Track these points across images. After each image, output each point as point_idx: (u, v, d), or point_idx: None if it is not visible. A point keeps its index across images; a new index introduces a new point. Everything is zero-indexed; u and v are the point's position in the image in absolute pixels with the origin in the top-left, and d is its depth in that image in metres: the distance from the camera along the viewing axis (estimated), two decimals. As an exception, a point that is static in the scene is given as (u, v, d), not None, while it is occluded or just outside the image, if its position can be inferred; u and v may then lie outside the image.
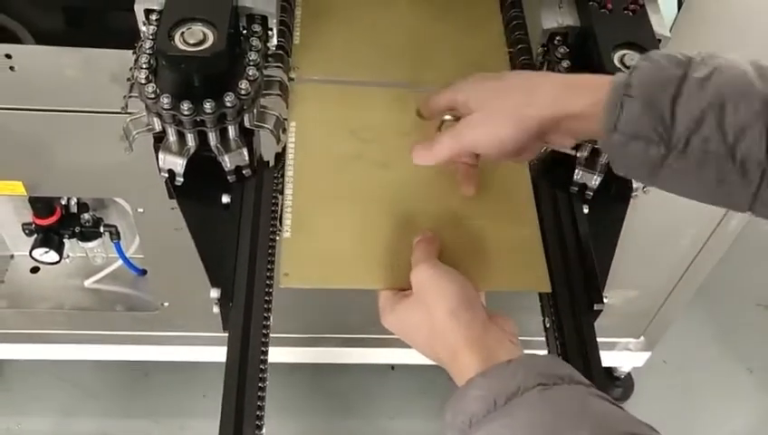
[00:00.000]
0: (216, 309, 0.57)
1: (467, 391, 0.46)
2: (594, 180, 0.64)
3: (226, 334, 1.21)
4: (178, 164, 0.61)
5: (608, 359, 1.38)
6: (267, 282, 0.56)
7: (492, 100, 0.55)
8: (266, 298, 0.56)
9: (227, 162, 0.61)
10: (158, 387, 1.40)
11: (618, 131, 0.48)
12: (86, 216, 1.11)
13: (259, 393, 0.52)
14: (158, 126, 0.61)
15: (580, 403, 0.43)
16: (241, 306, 0.55)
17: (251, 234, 0.59)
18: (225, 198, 0.61)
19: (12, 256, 1.24)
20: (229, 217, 0.60)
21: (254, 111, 0.61)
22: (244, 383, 0.52)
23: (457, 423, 0.45)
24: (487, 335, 0.50)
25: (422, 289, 0.53)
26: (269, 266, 0.57)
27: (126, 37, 0.71)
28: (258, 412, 0.51)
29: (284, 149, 0.64)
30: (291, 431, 1.37)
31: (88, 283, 1.21)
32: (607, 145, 0.49)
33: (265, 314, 0.55)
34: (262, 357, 0.53)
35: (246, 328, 0.55)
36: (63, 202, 1.09)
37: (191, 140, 0.60)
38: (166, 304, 1.17)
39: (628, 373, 1.47)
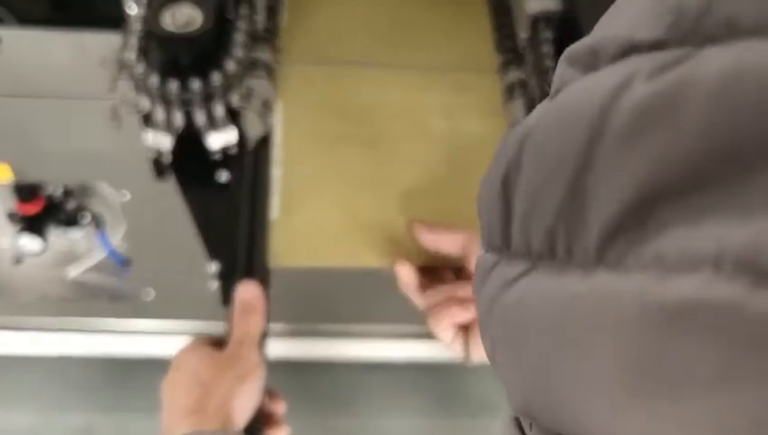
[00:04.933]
0: (214, 284, 0.57)
1: None
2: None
3: (213, 322, 1.21)
4: (166, 142, 0.61)
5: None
6: (265, 256, 0.57)
7: None
8: (265, 272, 0.56)
9: (213, 141, 0.62)
10: (144, 380, 1.39)
11: None
12: (71, 204, 1.10)
13: None
14: (147, 106, 0.61)
15: None
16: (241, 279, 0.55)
17: (249, 210, 0.59)
18: (224, 177, 0.62)
19: (-5, 247, 1.23)
20: (227, 194, 0.61)
21: (242, 91, 0.62)
22: None
23: None
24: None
25: (226, 363, 0.52)
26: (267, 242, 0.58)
27: (111, 22, 0.71)
28: None
29: (272, 129, 0.64)
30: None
31: (72, 273, 1.21)
32: None
33: (265, 289, 0.56)
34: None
35: None
36: (48, 191, 1.09)
37: (179, 119, 0.61)
38: (151, 292, 1.17)
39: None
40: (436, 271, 0.55)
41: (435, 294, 0.52)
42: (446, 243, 0.54)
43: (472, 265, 0.52)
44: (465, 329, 0.52)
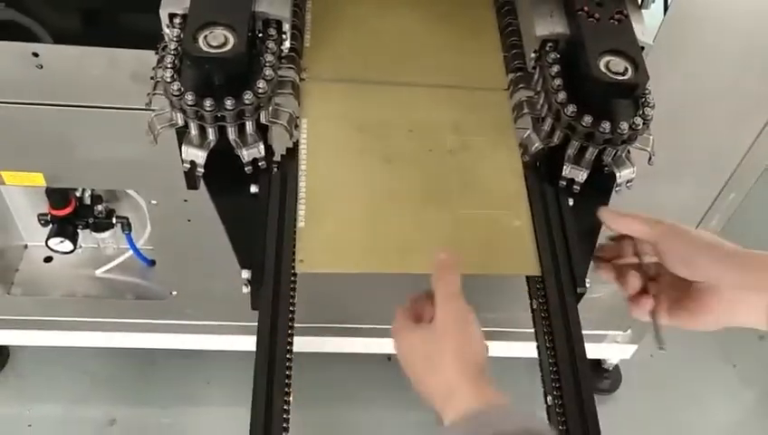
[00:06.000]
0: (245, 289, 0.62)
1: (448, 430, 0.51)
2: (581, 176, 0.69)
3: (232, 323, 1.26)
4: (200, 156, 0.66)
5: (596, 351, 1.43)
6: (293, 264, 0.61)
7: None
8: (292, 278, 0.61)
9: (245, 155, 0.66)
10: (164, 374, 1.45)
11: None
12: (99, 207, 1.16)
13: (287, 364, 0.57)
14: (180, 121, 0.66)
15: None
16: (270, 286, 0.60)
17: (278, 220, 0.63)
18: (254, 188, 0.67)
19: (26, 246, 1.29)
20: (257, 205, 0.65)
21: (270, 108, 0.67)
22: (274, 354, 0.57)
23: None
24: (486, 386, 0.53)
25: (444, 329, 0.55)
26: (294, 250, 0.62)
27: (140, 38, 0.76)
28: (287, 380, 0.56)
29: (296, 144, 0.69)
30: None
31: (99, 272, 1.26)
32: None
33: (291, 299, 0.60)
34: (289, 331, 0.59)
35: (275, 305, 0.59)
36: (78, 194, 1.15)
37: (212, 135, 0.65)
38: (174, 292, 1.22)
39: (616, 366, 1.52)
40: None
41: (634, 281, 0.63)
42: (636, 226, 0.62)
43: (666, 256, 0.60)
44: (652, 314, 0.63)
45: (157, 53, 0.69)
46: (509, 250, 0.65)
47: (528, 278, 0.66)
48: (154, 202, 1.04)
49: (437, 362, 0.54)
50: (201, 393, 1.43)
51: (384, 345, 1.39)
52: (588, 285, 0.65)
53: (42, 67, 0.85)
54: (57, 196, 1.12)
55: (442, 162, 0.70)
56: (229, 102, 0.62)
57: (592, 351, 1.43)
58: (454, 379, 0.53)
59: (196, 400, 1.42)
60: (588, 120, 0.65)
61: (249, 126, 0.66)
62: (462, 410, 0.51)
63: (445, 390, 0.53)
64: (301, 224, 0.63)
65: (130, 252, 1.24)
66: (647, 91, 0.68)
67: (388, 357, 1.52)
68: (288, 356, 0.57)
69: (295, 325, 0.61)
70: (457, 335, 0.55)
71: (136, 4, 0.80)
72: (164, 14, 0.67)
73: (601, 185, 0.70)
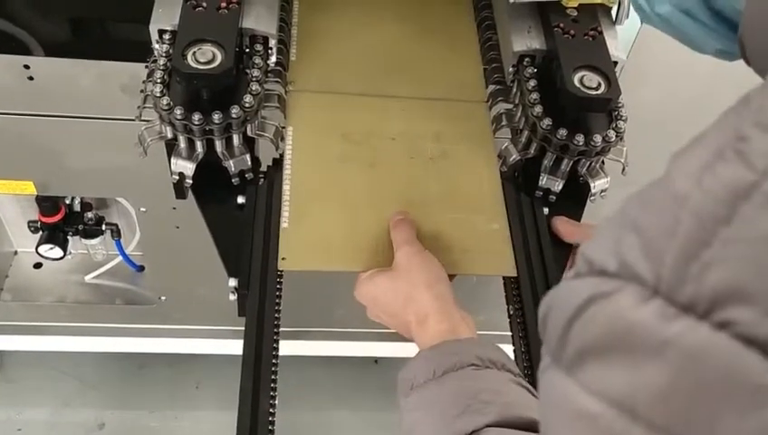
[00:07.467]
0: (232, 297, 0.64)
1: (417, 360, 0.54)
2: (557, 186, 0.72)
3: (220, 328, 1.28)
4: (188, 168, 0.68)
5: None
6: (278, 272, 0.64)
7: None
8: (278, 285, 0.63)
9: (232, 167, 0.69)
10: (153, 379, 1.46)
11: None
12: (89, 214, 1.17)
13: (273, 368, 0.59)
14: (170, 134, 0.68)
15: (500, 386, 0.51)
16: (256, 293, 0.62)
17: (264, 227, 0.66)
18: (241, 199, 0.69)
19: (15, 253, 1.30)
20: (244, 215, 0.67)
21: (256, 121, 0.69)
22: (260, 354, 0.59)
23: (403, 386, 0.52)
24: (454, 311, 0.58)
25: (405, 265, 0.60)
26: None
27: (130, 50, 0.77)
28: (272, 384, 0.58)
29: (282, 155, 0.71)
30: (277, 423, 1.43)
31: (88, 278, 1.28)
32: None
33: (277, 301, 0.62)
34: (275, 331, 0.61)
35: (261, 312, 0.61)
36: (68, 201, 1.16)
37: (200, 147, 0.68)
38: (163, 298, 1.24)
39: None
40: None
41: None
42: (587, 236, 0.65)
43: None
44: None
45: (147, 67, 0.71)
46: (486, 252, 0.67)
47: (505, 281, 0.69)
48: (143, 209, 1.06)
49: (407, 293, 0.59)
50: (189, 397, 1.45)
51: (370, 348, 1.41)
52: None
53: (33, 79, 0.86)
54: (47, 203, 1.13)
55: (423, 169, 0.72)
56: (217, 116, 0.64)
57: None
58: (426, 306, 0.58)
59: (185, 404, 1.44)
60: (563, 132, 0.68)
61: (236, 139, 0.68)
62: (430, 338, 0.55)
63: (422, 316, 0.57)
64: (284, 225, 0.66)
65: (120, 258, 1.25)
66: (619, 105, 0.70)
67: (375, 360, 1.55)
68: (274, 359, 0.59)
69: (282, 329, 0.63)
70: (424, 269, 0.60)
71: (126, 17, 0.82)
72: (154, 31, 0.70)
73: (576, 194, 0.73)
